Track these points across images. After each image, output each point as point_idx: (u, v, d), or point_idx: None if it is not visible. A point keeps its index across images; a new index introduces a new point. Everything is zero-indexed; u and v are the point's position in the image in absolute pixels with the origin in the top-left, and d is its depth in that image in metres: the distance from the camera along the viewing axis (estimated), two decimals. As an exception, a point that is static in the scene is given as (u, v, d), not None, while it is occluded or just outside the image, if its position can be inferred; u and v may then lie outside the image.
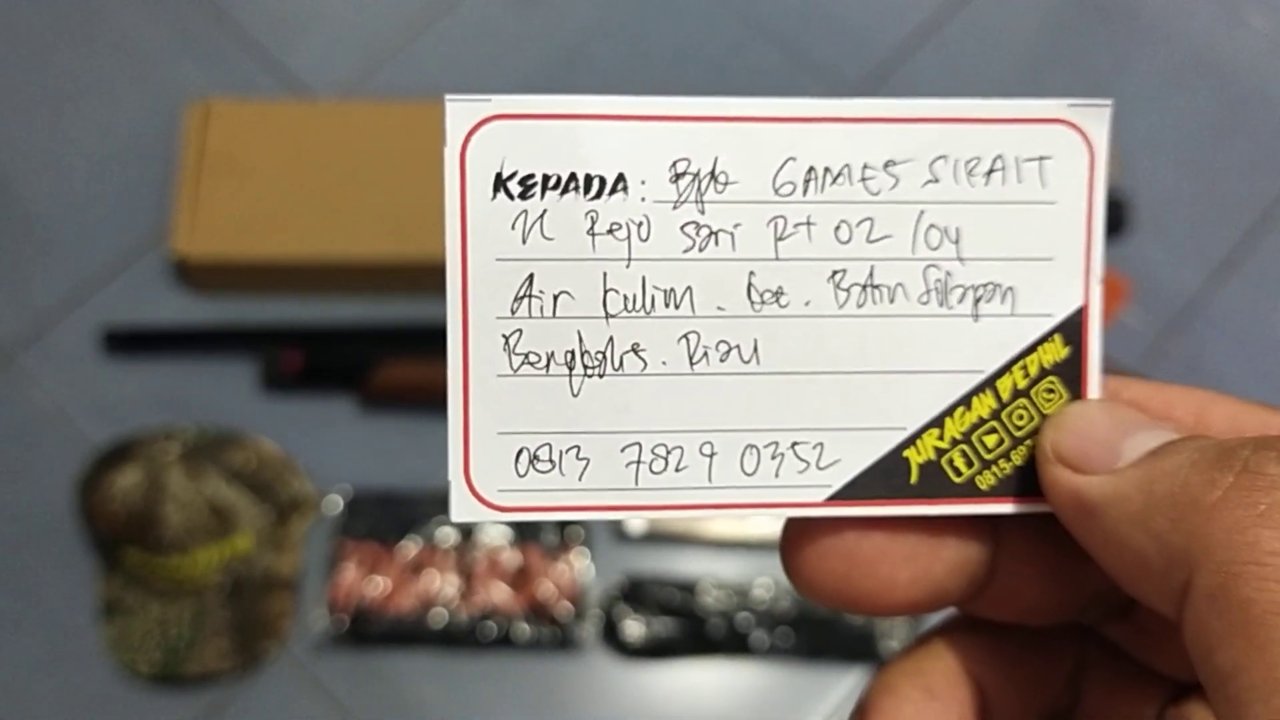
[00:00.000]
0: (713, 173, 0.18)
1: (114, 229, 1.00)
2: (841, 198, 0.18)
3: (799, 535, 0.20)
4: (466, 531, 0.89)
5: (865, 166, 0.18)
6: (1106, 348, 0.19)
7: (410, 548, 0.89)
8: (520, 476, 0.19)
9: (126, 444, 0.88)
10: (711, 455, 0.19)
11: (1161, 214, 0.98)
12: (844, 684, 0.87)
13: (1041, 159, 0.18)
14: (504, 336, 0.19)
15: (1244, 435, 0.16)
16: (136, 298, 0.98)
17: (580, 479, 0.19)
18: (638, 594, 0.88)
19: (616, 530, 0.91)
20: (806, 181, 0.18)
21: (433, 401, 0.92)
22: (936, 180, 0.18)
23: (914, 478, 0.19)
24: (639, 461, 0.19)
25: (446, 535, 0.89)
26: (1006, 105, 0.18)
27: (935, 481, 0.19)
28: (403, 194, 0.96)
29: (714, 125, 0.17)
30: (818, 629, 0.87)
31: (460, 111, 0.18)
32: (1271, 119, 1.03)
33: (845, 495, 0.19)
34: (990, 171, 0.18)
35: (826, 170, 0.18)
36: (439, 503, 0.90)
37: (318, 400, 0.95)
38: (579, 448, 0.19)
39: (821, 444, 0.19)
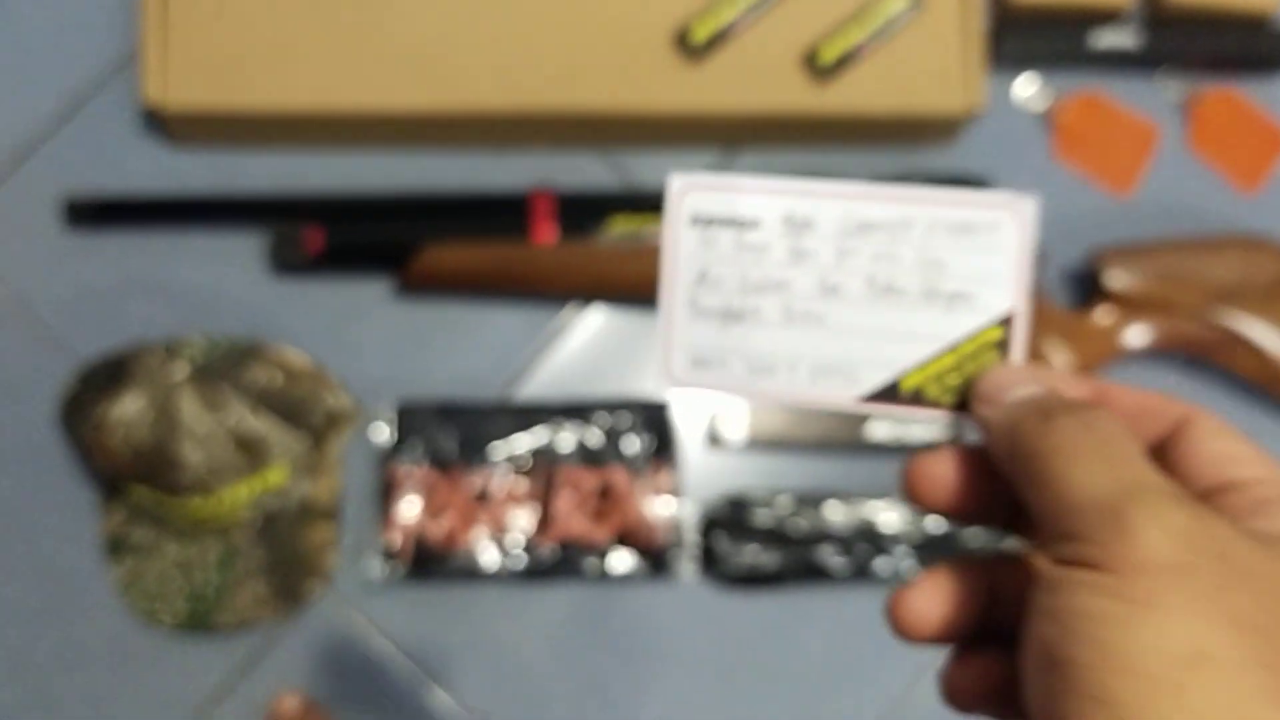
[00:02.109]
0: (807, 221, 0.31)
1: (70, 68, 0.79)
2: (878, 238, 0.31)
3: (916, 460, 0.30)
4: (541, 450, 0.76)
5: (892, 223, 0.31)
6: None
7: (475, 472, 0.75)
8: (693, 372, 0.32)
9: (119, 360, 0.71)
10: (794, 370, 0.32)
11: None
12: (968, 609, 0.78)
13: (994, 225, 0.30)
14: (690, 300, 0.32)
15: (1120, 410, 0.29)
16: (101, 154, 0.78)
17: (724, 375, 0.32)
18: (738, 516, 0.76)
19: (712, 437, 0.78)
20: (859, 229, 0.31)
21: (486, 287, 0.77)
22: (933, 233, 0.30)
23: (904, 394, 0.31)
24: (754, 370, 0.32)
25: (517, 455, 0.76)
26: (977, 195, 0.30)
27: (917, 398, 0.31)
28: (434, 31, 0.75)
29: (808, 197, 0.31)
30: (947, 551, 0.77)
31: (680, 184, 0.32)
32: None
33: (866, 399, 0.32)
34: (964, 230, 0.30)
35: (871, 224, 0.31)
36: (508, 415, 0.76)
37: (344, 286, 0.78)
38: (725, 360, 0.32)
39: (856, 370, 0.31)
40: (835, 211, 0.29)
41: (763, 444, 0.78)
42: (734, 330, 0.30)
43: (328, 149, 0.79)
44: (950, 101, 0.78)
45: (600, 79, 0.77)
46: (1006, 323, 0.29)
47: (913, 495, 0.30)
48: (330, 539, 0.74)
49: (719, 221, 0.30)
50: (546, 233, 0.76)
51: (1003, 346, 0.29)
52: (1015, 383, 0.29)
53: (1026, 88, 0.82)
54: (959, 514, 0.30)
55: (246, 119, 0.76)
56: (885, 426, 0.79)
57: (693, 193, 0.30)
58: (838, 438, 0.79)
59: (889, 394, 0.30)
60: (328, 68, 0.75)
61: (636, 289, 0.76)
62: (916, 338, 0.29)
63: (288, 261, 0.76)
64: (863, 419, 0.78)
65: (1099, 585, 0.22)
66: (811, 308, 0.30)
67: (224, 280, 0.77)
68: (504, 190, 0.77)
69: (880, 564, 0.76)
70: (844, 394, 0.30)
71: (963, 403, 0.30)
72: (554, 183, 0.78)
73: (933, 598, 0.29)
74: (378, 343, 0.78)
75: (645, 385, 0.79)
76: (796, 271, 0.30)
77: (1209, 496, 0.26)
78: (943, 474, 0.29)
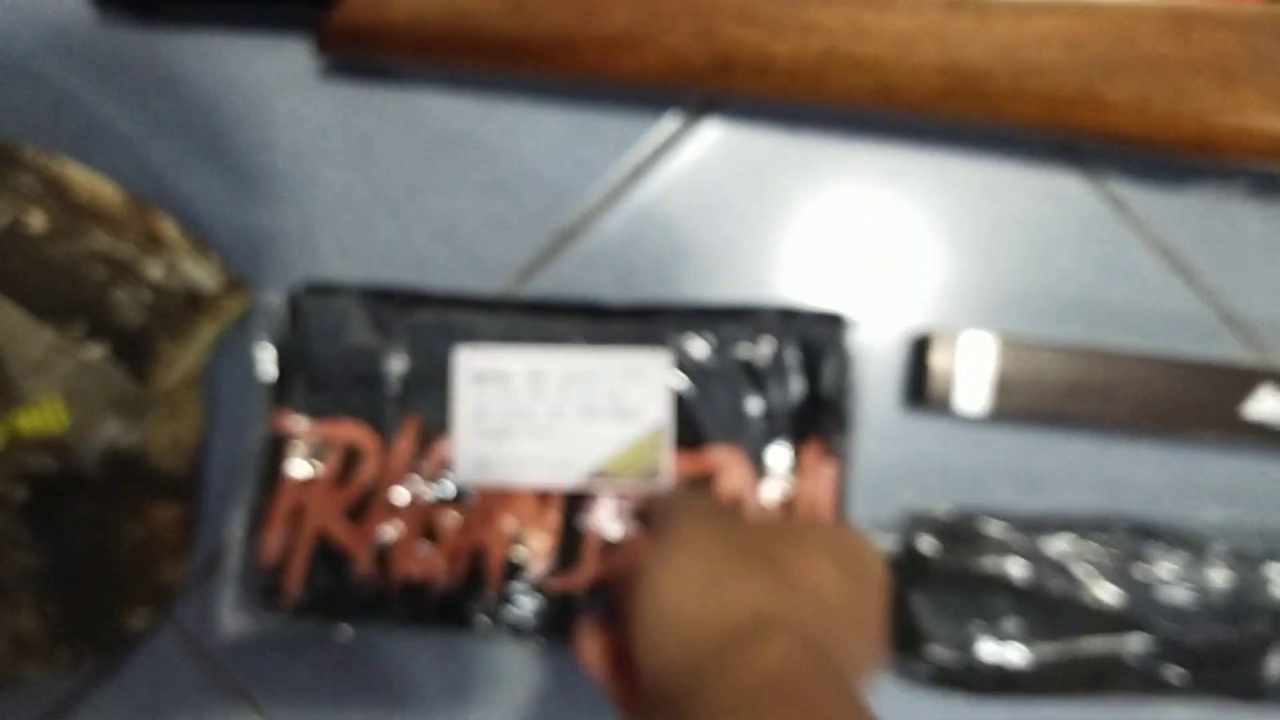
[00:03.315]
0: (540, 373, 0.39)
1: None
2: (583, 381, 0.39)
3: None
4: (573, 399, 0.39)
5: (592, 371, 0.39)
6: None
7: (441, 436, 0.38)
8: (477, 472, 0.39)
9: None
10: (537, 466, 0.39)
11: None
12: None
13: (646, 369, 0.38)
14: (474, 427, 0.39)
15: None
16: None
17: (496, 472, 0.39)
18: (961, 561, 0.38)
19: (920, 390, 0.39)
20: (572, 376, 0.39)
21: (487, 62, 0.38)
22: (616, 376, 0.39)
23: (607, 473, 0.39)
24: (514, 467, 0.39)
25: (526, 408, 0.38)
26: (635, 354, 0.39)
27: (615, 475, 0.39)
28: None
29: (541, 358, 0.39)
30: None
31: (463, 354, 0.40)
32: None
33: (586, 478, 0.39)
34: (632, 374, 0.39)
35: (578, 373, 0.39)
36: (516, 323, 0.39)
37: (218, 46, 0.40)
38: (495, 462, 0.39)
39: (577, 462, 0.39)
40: (558, 365, 0.38)
41: (1024, 413, 0.39)
42: (500, 444, 0.38)
43: None
44: None
45: None
46: (660, 429, 0.38)
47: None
48: (171, 533, 0.39)
49: (488, 376, 0.38)
50: (615, -49, 0.36)
51: (659, 441, 0.38)
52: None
53: None
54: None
55: None
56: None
57: (470, 359, 0.38)
58: (1179, 411, 0.39)
59: (599, 474, 0.38)
60: None
61: (793, 74, 0.37)
62: (610, 439, 0.38)
63: (105, -11, 0.38)
64: (1244, 383, 0.38)
65: (647, 545, 0.32)
66: (545, 426, 0.38)
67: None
68: None
69: (1262, 667, 0.37)
70: (571, 477, 0.38)
71: (643, 475, 0.39)
72: None
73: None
74: (276, 159, 0.40)
75: (793, 281, 0.40)
76: (536, 404, 0.38)
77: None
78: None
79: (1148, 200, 0.41)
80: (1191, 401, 0.39)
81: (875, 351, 0.40)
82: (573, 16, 0.36)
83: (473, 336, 0.38)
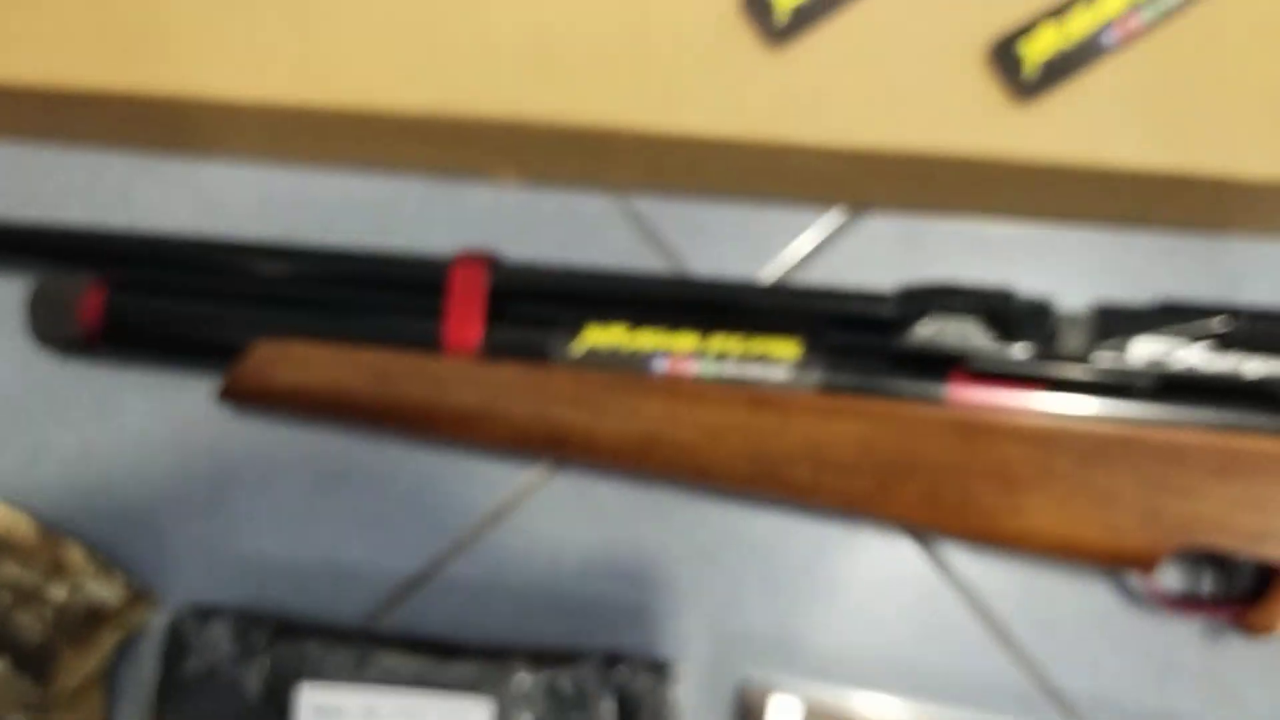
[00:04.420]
0: (373, 708, 0.42)
1: None
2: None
3: None
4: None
5: (423, 709, 0.42)
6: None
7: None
8: None
9: None
10: None
11: None
12: None
13: (471, 709, 0.41)
14: None
15: None
16: None
17: None
18: None
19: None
20: (403, 710, 0.42)
21: (362, 420, 0.43)
22: (449, 714, 0.41)
23: None
24: None
25: (368, 734, 0.42)
26: (460, 699, 0.41)
27: None
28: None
29: (380, 694, 0.42)
30: None
31: (307, 690, 0.42)
32: None
33: None
34: (458, 712, 0.41)
35: (411, 710, 0.42)
36: (361, 651, 0.43)
37: (142, 383, 0.46)
38: None
39: None
40: (390, 704, 0.41)
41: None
42: None
43: (146, 149, 0.48)
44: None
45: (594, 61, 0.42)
46: None
47: None
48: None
49: (327, 710, 0.41)
50: (465, 334, 0.42)
51: None
52: None
53: None
54: None
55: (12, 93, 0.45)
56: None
57: (311, 695, 0.41)
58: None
59: None
60: (125, 42, 0.43)
61: (618, 453, 0.41)
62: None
63: (48, 334, 0.45)
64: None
65: None
66: None
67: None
68: (414, 254, 0.44)
69: None
70: None
71: None
72: (500, 247, 0.44)
73: None
74: (191, 483, 0.46)
75: (631, 624, 0.44)
76: None
77: None
78: None
79: (973, 567, 0.43)
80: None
81: (703, 700, 0.43)
82: (429, 393, 0.41)
83: (324, 668, 0.42)
